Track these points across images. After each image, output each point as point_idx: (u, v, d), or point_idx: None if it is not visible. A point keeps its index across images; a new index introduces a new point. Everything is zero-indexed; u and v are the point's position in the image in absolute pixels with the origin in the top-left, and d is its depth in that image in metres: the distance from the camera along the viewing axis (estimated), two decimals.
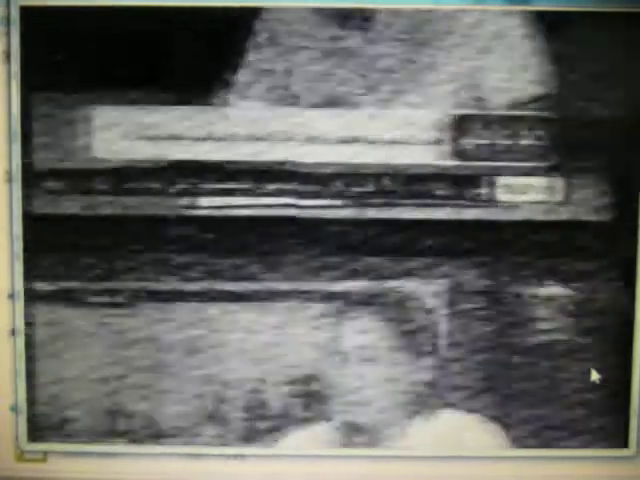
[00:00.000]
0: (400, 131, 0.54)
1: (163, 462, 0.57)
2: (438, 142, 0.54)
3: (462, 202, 0.54)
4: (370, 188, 0.54)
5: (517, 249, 0.55)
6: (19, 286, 0.55)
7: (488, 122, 0.54)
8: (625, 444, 0.56)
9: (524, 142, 0.54)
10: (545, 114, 0.53)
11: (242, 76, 0.54)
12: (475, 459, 0.57)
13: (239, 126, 0.54)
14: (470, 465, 0.57)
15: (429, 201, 0.54)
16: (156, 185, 0.55)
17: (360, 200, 0.54)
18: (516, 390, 0.56)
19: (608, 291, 0.55)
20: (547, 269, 0.55)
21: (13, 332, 0.56)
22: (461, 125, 0.54)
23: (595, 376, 0.56)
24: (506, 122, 0.54)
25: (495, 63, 0.53)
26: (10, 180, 0.55)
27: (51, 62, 0.54)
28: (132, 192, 0.55)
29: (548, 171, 0.54)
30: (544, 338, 0.55)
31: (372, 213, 0.55)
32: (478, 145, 0.54)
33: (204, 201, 0.55)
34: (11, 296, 0.56)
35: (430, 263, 0.55)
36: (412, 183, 0.54)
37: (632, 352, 0.55)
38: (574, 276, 0.55)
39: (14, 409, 0.57)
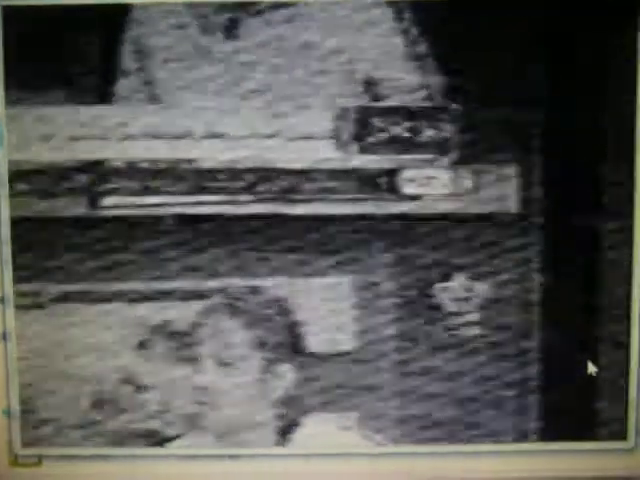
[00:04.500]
0: (296, 126, 0.53)
1: (159, 464, 0.57)
2: (336, 136, 0.53)
3: (364, 196, 0.54)
4: (265, 183, 0.54)
5: (423, 243, 0.54)
6: (9, 290, 0.55)
7: (386, 114, 0.53)
8: (623, 436, 0.56)
9: (426, 134, 0.53)
10: (446, 105, 0.53)
11: (127, 75, 0.53)
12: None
13: (138, 125, 0.54)
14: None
15: (329, 196, 0.54)
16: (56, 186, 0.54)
17: (261, 196, 0.54)
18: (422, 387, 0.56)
19: (518, 286, 0.55)
20: (455, 263, 0.54)
21: (4, 336, 0.55)
22: (359, 118, 0.53)
23: (591, 369, 0.55)
24: (405, 114, 0.53)
25: (382, 56, 0.53)
26: None
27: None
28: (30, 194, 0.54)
29: (452, 164, 0.53)
30: (454, 334, 0.55)
31: (271, 209, 0.54)
32: (378, 138, 0.53)
33: (106, 201, 0.54)
34: (1, 300, 0.55)
35: (332, 259, 0.54)
36: (311, 178, 0.54)
37: (629, 343, 0.55)
38: (483, 270, 0.54)
39: (7, 413, 0.56)
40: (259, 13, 0.53)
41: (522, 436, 0.56)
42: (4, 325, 0.55)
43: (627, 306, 0.55)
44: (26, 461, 0.57)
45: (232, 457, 0.57)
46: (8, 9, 0.52)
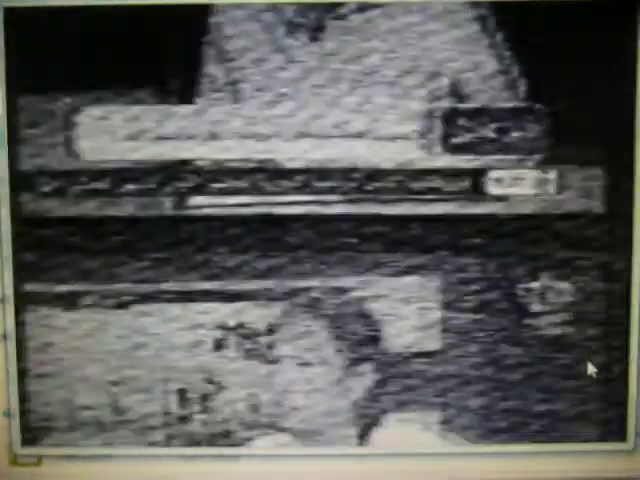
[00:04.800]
0: (383, 127, 0.53)
1: (158, 464, 0.57)
2: (424, 136, 0.53)
3: (450, 197, 0.54)
4: (356, 184, 0.54)
5: (510, 243, 0.54)
6: (9, 289, 0.55)
7: (474, 115, 0.53)
8: (623, 438, 0.56)
9: (513, 135, 0.53)
10: (532, 106, 0.53)
11: (211, 75, 0.53)
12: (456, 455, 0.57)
13: (218, 124, 0.54)
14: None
15: (416, 196, 0.54)
16: (144, 186, 0.54)
17: (350, 196, 0.54)
18: (505, 384, 0.56)
19: (603, 283, 0.55)
20: (541, 262, 0.54)
21: (4, 336, 0.55)
22: (447, 118, 0.53)
23: (591, 370, 0.55)
24: (493, 115, 0.53)
25: (471, 57, 0.53)
26: None
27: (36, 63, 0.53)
28: (120, 193, 0.54)
29: (539, 164, 0.53)
30: (539, 333, 0.55)
31: (358, 209, 0.54)
32: (466, 138, 0.53)
33: (193, 201, 0.54)
34: (1, 300, 0.55)
35: (419, 259, 0.54)
36: (397, 179, 0.54)
37: (629, 344, 0.55)
38: (569, 269, 0.54)
39: (7, 414, 0.56)
40: (344, 15, 0.53)
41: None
42: (4, 325, 0.56)
43: (627, 306, 0.55)
44: (25, 461, 0.57)
45: (233, 457, 0.57)
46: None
